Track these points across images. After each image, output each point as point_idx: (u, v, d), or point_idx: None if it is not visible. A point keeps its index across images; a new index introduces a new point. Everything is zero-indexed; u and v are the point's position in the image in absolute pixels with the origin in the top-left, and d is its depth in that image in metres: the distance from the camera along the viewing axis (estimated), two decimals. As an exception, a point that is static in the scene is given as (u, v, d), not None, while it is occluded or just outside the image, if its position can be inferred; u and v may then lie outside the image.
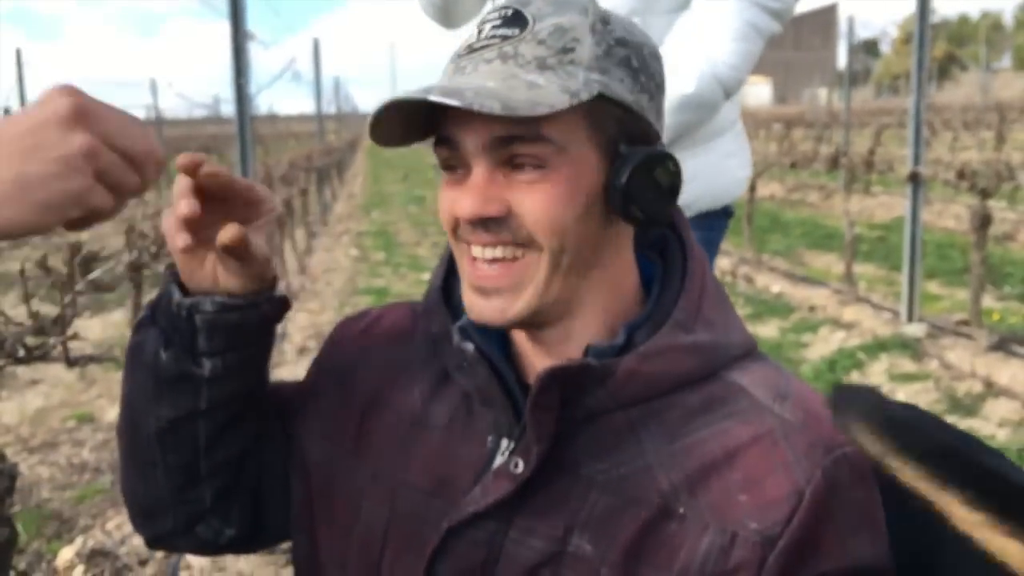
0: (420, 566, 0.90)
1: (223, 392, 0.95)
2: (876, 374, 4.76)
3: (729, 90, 1.73)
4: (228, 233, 0.86)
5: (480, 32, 0.89)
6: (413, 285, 7.83)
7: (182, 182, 0.87)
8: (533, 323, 0.90)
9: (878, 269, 7.68)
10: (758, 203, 8.65)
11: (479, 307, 0.89)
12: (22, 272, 1.92)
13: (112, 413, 4.53)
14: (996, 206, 5.09)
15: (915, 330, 5.37)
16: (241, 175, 4.07)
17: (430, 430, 0.96)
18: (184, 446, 0.97)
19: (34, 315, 2.01)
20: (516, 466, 0.87)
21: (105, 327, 6.30)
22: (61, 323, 1.91)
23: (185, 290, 0.93)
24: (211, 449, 0.98)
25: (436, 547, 0.89)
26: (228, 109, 4.91)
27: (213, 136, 26.45)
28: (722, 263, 7.35)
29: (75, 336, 1.80)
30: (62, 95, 0.72)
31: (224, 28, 4.76)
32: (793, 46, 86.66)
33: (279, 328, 3.80)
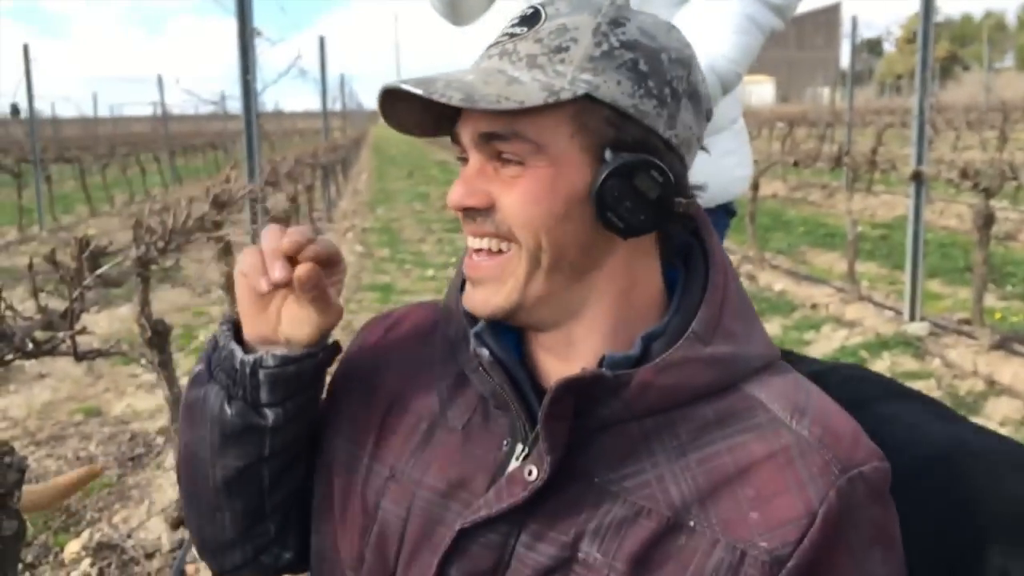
0: (433, 566, 0.90)
1: (285, 438, 0.99)
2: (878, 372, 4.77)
3: (727, 84, 1.71)
4: (304, 270, 0.88)
5: (503, 29, 0.91)
6: (417, 282, 7.85)
7: (272, 243, 0.90)
8: (526, 321, 0.91)
9: (880, 268, 7.69)
10: (761, 202, 8.66)
11: (468, 296, 0.93)
12: (30, 266, 1.94)
13: (118, 407, 4.57)
14: (998, 205, 5.09)
15: (917, 329, 5.38)
16: (248, 171, 4.08)
17: (448, 431, 0.97)
18: (250, 491, 1.01)
19: (42, 309, 2.03)
20: (530, 473, 0.87)
21: (111, 321, 6.34)
22: (69, 317, 1.93)
23: (241, 342, 0.96)
24: (274, 489, 1.02)
25: (448, 548, 0.90)
26: (234, 106, 4.92)
27: (219, 132, 26.49)
28: (725, 261, 7.35)
29: (84, 331, 1.82)
30: None
31: (230, 25, 4.79)
32: (796, 45, 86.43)
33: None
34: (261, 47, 4.87)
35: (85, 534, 3.11)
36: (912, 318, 5.56)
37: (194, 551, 2.83)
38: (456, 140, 0.91)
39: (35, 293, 2.00)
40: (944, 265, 7.53)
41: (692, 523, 0.82)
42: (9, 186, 13.72)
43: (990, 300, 5.89)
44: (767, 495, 0.81)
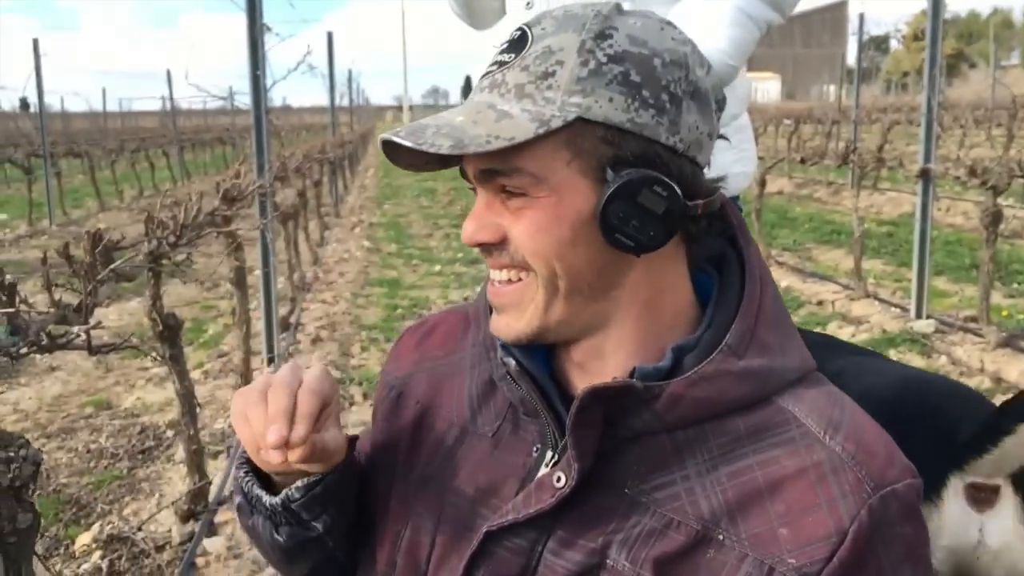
0: (459, 569, 0.91)
1: (341, 530, 1.03)
2: (884, 369, 4.78)
3: (721, 78, 1.67)
4: (297, 455, 0.87)
5: (494, 55, 0.89)
6: (424, 277, 7.87)
7: (257, 410, 0.88)
8: (553, 340, 0.92)
9: (886, 265, 7.69)
10: (767, 198, 8.65)
11: (493, 322, 0.94)
12: (44, 260, 1.96)
13: (128, 400, 4.60)
14: (1004, 203, 5.09)
15: (924, 326, 5.38)
16: (257, 166, 4.08)
17: (478, 438, 0.98)
18: (329, 568, 1.07)
19: (56, 303, 2.05)
20: (558, 480, 0.87)
21: (121, 315, 6.37)
22: (84, 312, 1.96)
23: (263, 478, 0.99)
24: (349, 558, 1.07)
25: (475, 551, 0.91)
26: (243, 101, 4.94)
27: (227, 127, 26.52)
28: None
29: (99, 325, 1.84)
30: None
31: (239, 21, 4.80)
32: (802, 43, 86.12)
33: (292, 319, 3.88)
34: (270, 42, 4.88)
35: (96, 526, 3.14)
36: (919, 315, 5.56)
37: (204, 543, 2.87)
38: (464, 175, 0.91)
39: (49, 287, 2.02)
40: (950, 263, 7.52)
41: (721, 537, 0.82)
42: (19, 180, 13.79)
43: (996, 298, 5.89)
44: (797, 511, 0.81)
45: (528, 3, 1.85)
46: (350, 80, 20.29)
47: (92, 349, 1.86)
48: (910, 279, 5.79)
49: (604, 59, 0.83)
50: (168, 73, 19.37)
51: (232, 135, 24.66)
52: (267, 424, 0.86)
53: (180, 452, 3.69)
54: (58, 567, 2.92)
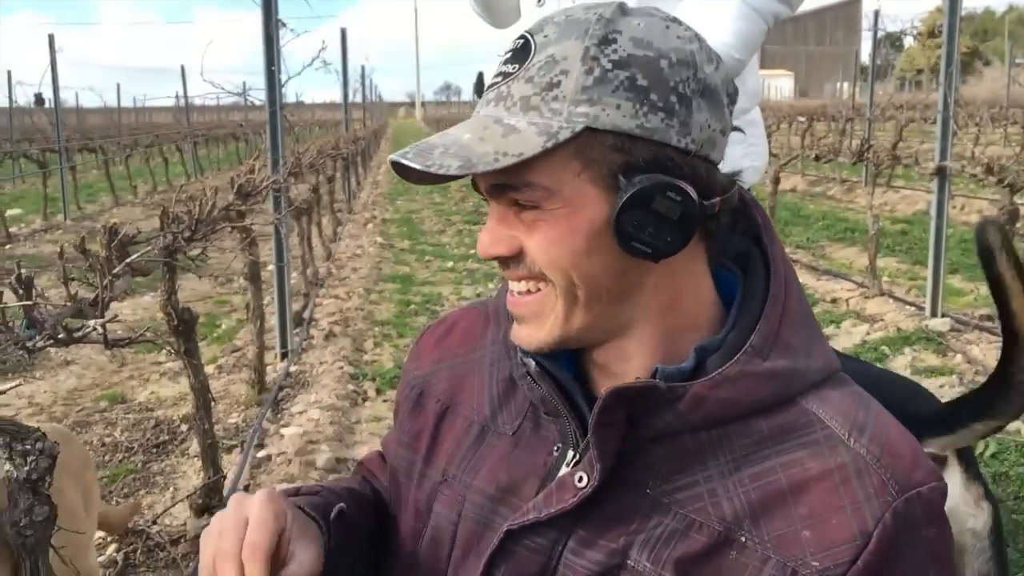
0: (479, 568, 0.91)
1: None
2: (899, 368, 4.76)
3: (727, 71, 1.71)
4: None
5: (499, 63, 0.88)
6: (437, 273, 7.88)
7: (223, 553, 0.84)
8: (575, 346, 0.91)
9: (901, 263, 7.65)
10: (780, 196, 8.62)
11: (514, 331, 0.93)
12: (61, 254, 1.97)
13: (143, 394, 4.62)
14: (1020, 202, 5.05)
15: (939, 324, 5.35)
16: (272, 162, 4.10)
17: (498, 436, 0.98)
18: None
19: (72, 297, 2.06)
20: (580, 479, 0.87)
21: (135, 309, 6.40)
22: (100, 305, 1.97)
23: None
24: None
25: (495, 550, 0.91)
26: (257, 96, 4.95)
27: (240, 123, 26.60)
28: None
29: (115, 318, 1.85)
30: None
31: (254, 17, 4.82)
32: (816, 40, 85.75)
33: (306, 314, 3.87)
34: (285, 38, 4.90)
35: (111, 519, 3.15)
36: (934, 314, 5.53)
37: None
38: (476, 187, 0.91)
39: (66, 281, 2.03)
40: (965, 260, 7.47)
41: (743, 539, 0.82)
42: (34, 175, 13.86)
43: (1013, 296, 5.84)
44: (821, 514, 0.80)
45: (540, 1, 1.85)
46: (363, 77, 20.30)
47: (108, 342, 1.87)
48: (925, 277, 5.76)
49: (609, 65, 0.82)
50: (182, 69, 19.42)
51: (246, 131, 24.73)
52: None
53: (194, 446, 3.71)
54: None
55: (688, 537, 0.83)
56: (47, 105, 15.73)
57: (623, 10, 0.86)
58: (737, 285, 0.92)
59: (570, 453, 0.92)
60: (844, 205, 11.70)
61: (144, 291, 6.72)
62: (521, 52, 0.86)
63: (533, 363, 0.93)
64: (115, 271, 2.10)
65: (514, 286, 0.90)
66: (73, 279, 2.06)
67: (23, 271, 1.70)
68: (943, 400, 1.56)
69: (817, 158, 7.66)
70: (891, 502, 0.79)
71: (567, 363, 0.94)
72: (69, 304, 2.07)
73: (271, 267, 5.23)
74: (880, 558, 0.78)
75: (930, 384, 4.52)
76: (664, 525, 0.85)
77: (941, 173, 5.52)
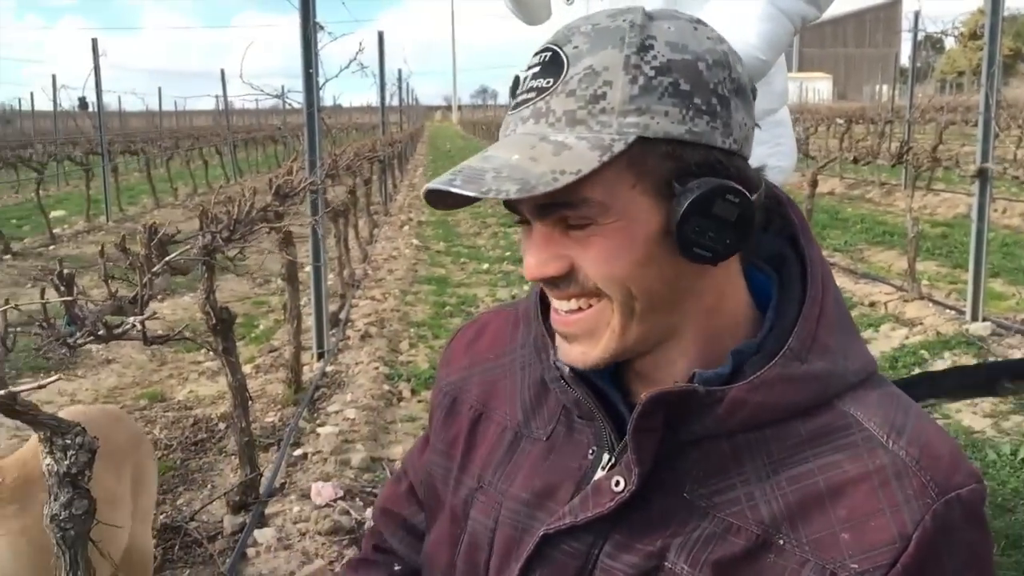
0: (515, 572, 0.92)
1: None
2: (938, 372, 4.70)
3: (752, 72, 1.62)
4: None
5: (524, 78, 0.86)
6: (472, 275, 7.90)
7: None
8: (626, 359, 0.90)
9: (940, 267, 7.54)
10: (817, 198, 8.53)
11: (564, 351, 0.91)
12: (102, 253, 2.01)
13: (181, 393, 4.69)
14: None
15: (980, 328, 5.27)
16: (309, 164, 4.16)
17: (532, 441, 0.98)
18: None
19: (113, 295, 2.10)
20: (616, 483, 0.87)
21: (174, 309, 6.49)
22: (140, 303, 2.00)
23: None
24: None
25: (531, 554, 0.91)
26: (295, 99, 5.01)
27: (278, 126, 26.88)
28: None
29: (154, 315, 1.88)
30: None
31: (291, 20, 4.87)
32: (855, 42, 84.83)
33: (342, 315, 3.93)
34: (323, 41, 4.94)
35: (149, 515, 3.20)
36: (974, 318, 5.45)
37: (255, 534, 2.91)
38: (511, 208, 0.88)
39: (106, 279, 2.07)
40: (1007, 264, 7.36)
41: (781, 541, 0.81)
42: (78, 177, 14.10)
43: (1056, 301, 5.75)
44: (860, 516, 0.80)
45: (568, 0, 1.86)
46: (400, 79, 20.42)
47: (147, 339, 1.90)
48: (965, 281, 5.67)
49: (652, 72, 0.81)
50: (222, 73, 19.68)
51: (284, 134, 24.98)
52: None
53: (231, 444, 3.76)
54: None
55: (726, 540, 0.83)
56: (91, 109, 16.00)
57: (649, 15, 0.85)
58: (772, 286, 0.92)
59: (605, 456, 0.92)
60: (883, 208, 11.56)
61: (183, 291, 6.81)
62: (551, 65, 0.84)
63: (567, 368, 0.92)
64: (154, 270, 2.14)
65: (562, 305, 0.88)
66: (114, 278, 2.10)
67: (64, 269, 1.73)
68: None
69: (855, 160, 7.58)
70: (931, 504, 0.78)
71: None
72: (109, 301, 2.11)
73: (308, 268, 5.28)
74: (919, 561, 0.77)
75: (970, 389, 4.46)
76: (702, 528, 0.84)
77: (983, 175, 5.44)
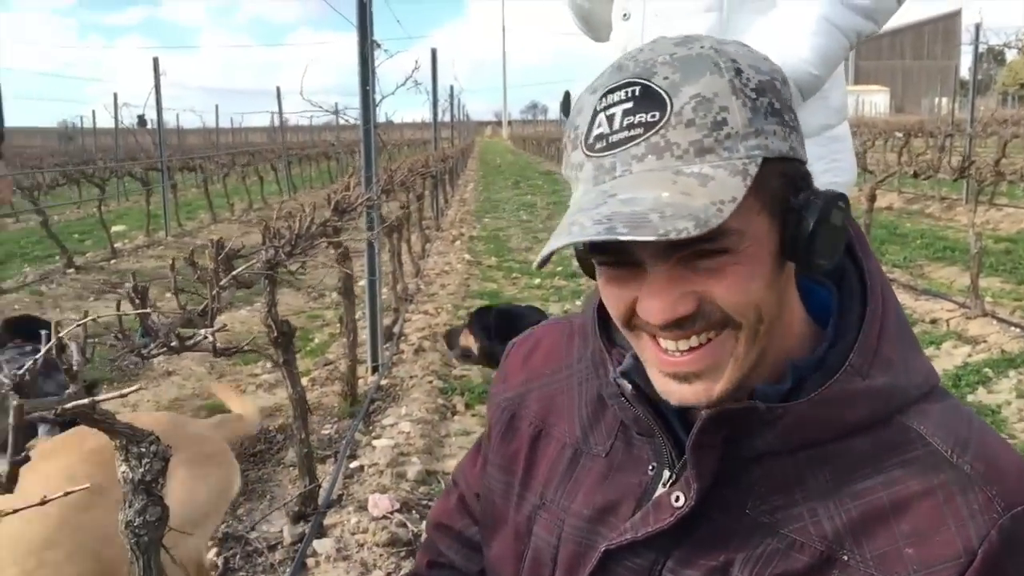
0: None
1: None
2: (1004, 391, 4.58)
3: (803, 87, 1.67)
4: None
5: (610, 117, 0.82)
6: (524, 290, 7.91)
7: None
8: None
9: (1004, 283, 7.36)
10: (876, 213, 8.40)
11: (678, 392, 0.86)
12: (172, 266, 2.06)
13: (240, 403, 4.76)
14: None
15: (1046, 347, 5.14)
16: (365, 180, 4.19)
17: (592, 458, 0.99)
18: None
19: (183, 307, 2.14)
20: (676, 499, 0.87)
21: (232, 323, 6.60)
22: (209, 315, 2.04)
23: None
24: None
25: (594, 569, 0.92)
26: (350, 115, 5.08)
27: (332, 143, 27.27)
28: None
29: (224, 328, 1.92)
30: None
31: (345, 38, 4.95)
32: (912, 54, 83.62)
33: (396, 328, 3.98)
34: (379, 59, 5.01)
35: (211, 524, 3.25)
36: (1040, 335, 5.32)
37: (314, 544, 2.94)
38: (610, 252, 0.85)
39: (176, 292, 2.12)
40: (1074, 281, 7.17)
41: (845, 557, 0.81)
42: (138, 193, 14.42)
43: None
44: (924, 531, 0.79)
45: (625, 15, 1.87)
46: (452, 96, 20.59)
47: (217, 351, 1.94)
48: (1031, 298, 5.54)
49: (754, 95, 0.81)
50: (278, 90, 20.04)
51: (337, 150, 25.33)
52: None
53: (289, 455, 3.80)
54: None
55: (789, 556, 0.83)
56: (149, 125, 16.38)
57: (717, 41, 0.86)
58: (829, 299, 0.92)
59: (665, 472, 0.92)
60: (943, 223, 11.33)
61: (240, 305, 6.92)
62: (647, 99, 0.81)
63: (630, 386, 0.93)
64: (222, 283, 2.18)
65: (679, 344, 0.85)
66: (183, 291, 2.15)
67: (139, 282, 1.78)
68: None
69: (916, 175, 7.46)
70: (997, 519, 0.78)
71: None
72: (179, 314, 2.16)
73: (362, 282, 5.34)
74: (984, 575, 0.77)
75: (1038, 409, 4.35)
76: (765, 545, 0.84)
77: (1049, 190, 5.31)
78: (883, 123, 25.90)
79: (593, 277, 0.92)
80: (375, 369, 5.10)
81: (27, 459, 1.13)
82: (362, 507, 3.24)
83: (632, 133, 0.81)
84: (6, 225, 14.24)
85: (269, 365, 5.25)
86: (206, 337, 1.83)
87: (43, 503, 1.07)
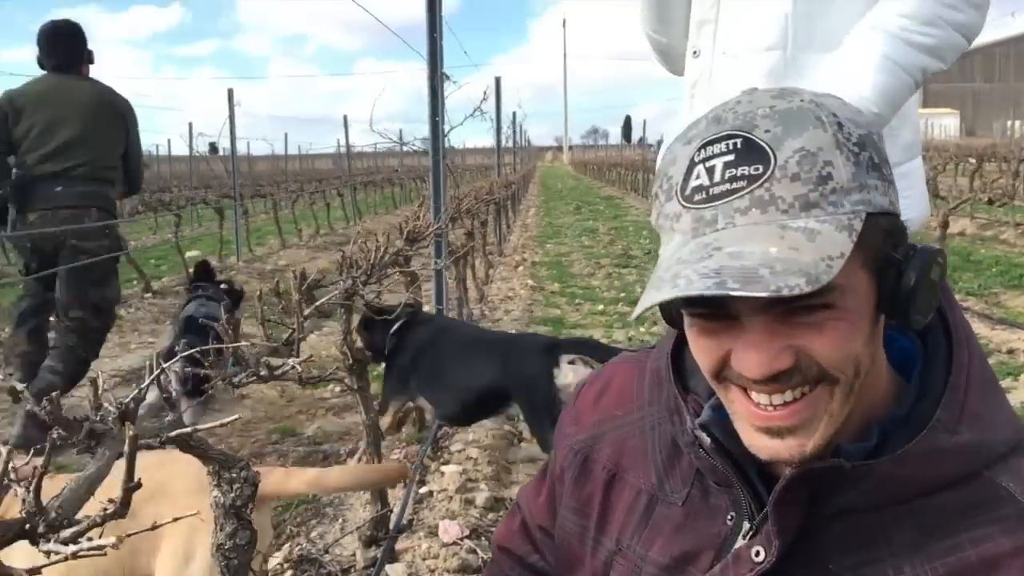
0: None
1: None
2: (1084, 425, 4.46)
3: None
4: None
5: (710, 169, 0.82)
6: (588, 316, 7.92)
7: None
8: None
9: (1086, 313, 7.16)
10: (948, 240, 8.24)
11: (769, 447, 0.86)
12: (260, 297, 2.14)
13: (311, 428, 4.85)
14: None
15: None
16: (434, 209, 4.28)
17: (668, 505, 0.99)
18: None
19: (269, 337, 2.22)
20: (757, 554, 0.87)
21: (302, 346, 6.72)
22: (295, 344, 2.12)
23: None
24: None
25: None
26: (415, 143, 5.18)
27: (395, 168, 27.67)
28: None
29: (310, 358, 1.99)
30: None
31: (408, 67, 5.07)
32: (983, 76, 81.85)
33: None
34: (448, 90, 5.11)
35: (286, 547, 3.33)
36: (1123, 368, 5.15)
37: (386, 569, 2.99)
38: (705, 305, 0.84)
39: (263, 322, 2.21)
40: None
41: None
42: (210, 219, 14.79)
43: None
44: None
45: (695, 52, 1.91)
46: (514, 122, 20.78)
47: (303, 380, 2.01)
48: (1113, 328, 5.38)
49: (856, 149, 0.81)
50: (344, 119, 20.45)
51: (401, 176, 25.69)
52: None
53: (360, 480, 3.87)
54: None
55: None
56: (220, 153, 16.83)
57: (812, 94, 0.85)
58: (910, 348, 0.91)
59: (745, 524, 0.92)
60: (1019, 250, 11.05)
61: (311, 331, 7.05)
62: (749, 152, 0.80)
63: (708, 440, 0.92)
64: (306, 313, 2.26)
65: (773, 399, 0.84)
66: (270, 320, 2.23)
67: (236, 314, 1.85)
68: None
69: (991, 202, 7.31)
70: None
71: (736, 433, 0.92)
72: (266, 343, 2.24)
73: (425, 309, 5.42)
74: None
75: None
76: None
77: None
78: (954, 147, 25.39)
79: (675, 326, 0.92)
80: (442, 395, 5.16)
81: (139, 485, 1.20)
82: (432, 532, 3.28)
83: (735, 186, 0.80)
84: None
85: (338, 389, 5.36)
86: (293, 367, 1.90)
87: (154, 528, 1.13)
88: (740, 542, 0.91)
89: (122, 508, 1.25)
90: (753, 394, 0.85)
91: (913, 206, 1.91)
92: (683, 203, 0.83)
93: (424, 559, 3.10)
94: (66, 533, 1.12)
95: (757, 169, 0.80)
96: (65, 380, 4.26)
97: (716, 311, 0.84)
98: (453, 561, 3.04)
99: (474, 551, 3.13)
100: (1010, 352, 5.94)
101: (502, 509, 3.61)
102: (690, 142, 0.85)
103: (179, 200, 13.62)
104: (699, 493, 0.97)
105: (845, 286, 0.80)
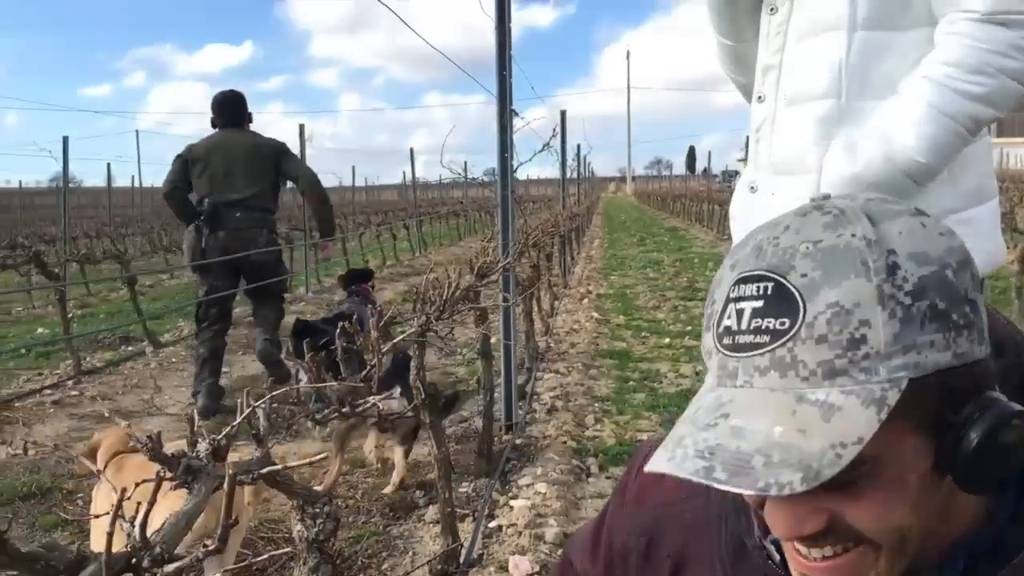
0: None
1: None
2: None
3: (912, 174, 1.65)
4: None
5: (740, 311, 0.77)
6: (654, 349, 7.89)
7: None
8: None
9: None
10: (1027, 275, 8.03)
11: None
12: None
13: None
14: None
15: None
16: (502, 245, 4.32)
17: None
18: None
19: (348, 376, 2.27)
20: None
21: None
22: (374, 381, 2.17)
23: None
24: None
25: None
26: (479, 175, 5.26)
27: (460, 200, 27.96)
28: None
29: (391, 395, 2.04)
30: None
31: (474, 100, 5.14)
32: (1063, 101, 79.58)
33: (528, 387, 4.09)
34: (516, 125, 5.19)
35: (357, 578, 3.38)
36: None
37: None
38: None
39: (343, 360, 2.28)
40: None
41: None
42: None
43: None
44: None
45: (760, 97, 1.92)
46: (579, 155, 20.87)
47: (382, 417, 2.07)
48: None
49: (908, 300, 0.72)
50: (411, 151, 20.76)
51: (465, 208, 25.95)
52: None
53: (429, 512, 3.91)
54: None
55: None
56: (290, 185, 17.19)
57: (872, 219, 0.76)
58: None
59: None
60: (1099, 284, 10.71)
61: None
62: (779, 300, 0.74)
63: (778, 556, 0.90)
64: (384, 349, 2.32)
65: (812, 552, 0.80)
66: (348, 356, 2.30)
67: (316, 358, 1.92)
68: None
69: (1069, 235, 7.11)
70: None
71: None
72: (345, 381, 2.30)
73: (492, 340, 5.46)
74: None
75: None
76: None
77: None
78: (1030, 177, 24.73)
79: None
80: (509, 428, 5.19)
81: (237, 522, 1.25)
82: (502, 568, 3.30)
83: (758, 340, 0.75)
84: (163, 282, 15.16)
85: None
86: (374, 404, 1.96)
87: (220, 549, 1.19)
88: None
89: (220, 544, 1.31)
90: (796, 545, 0.81)
91: (979, 250, 1.86)
92: (716, 343, 0.79)
93: (494, 594, 3.12)
94: (169, 568, 1.18)
95: (783, 324, 0.73)
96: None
97: None
98: (523, 597, 3.05)
99: (543, 587, 3.14)
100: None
101: (570, 545, 3.61)
102: (734, 267, 0.80)
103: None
104: None
105: (881, 457, 0.73)
